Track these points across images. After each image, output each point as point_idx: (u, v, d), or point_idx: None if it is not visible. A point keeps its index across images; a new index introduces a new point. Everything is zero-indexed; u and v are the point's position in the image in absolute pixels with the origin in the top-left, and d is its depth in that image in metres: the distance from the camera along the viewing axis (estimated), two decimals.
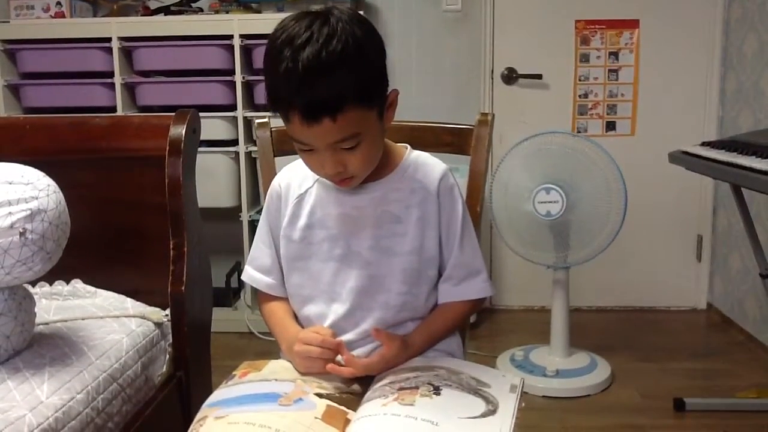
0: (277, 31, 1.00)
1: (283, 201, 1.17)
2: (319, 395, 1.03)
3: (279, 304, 1.21)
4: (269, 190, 1.21)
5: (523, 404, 0.99)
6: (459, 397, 0.98)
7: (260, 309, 1.25)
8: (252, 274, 1.22)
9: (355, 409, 1.01)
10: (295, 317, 1.20)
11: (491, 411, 0.95)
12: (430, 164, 1.15)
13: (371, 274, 1.11)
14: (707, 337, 3.07)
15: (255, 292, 1.28)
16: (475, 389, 1.00)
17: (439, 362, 1.09)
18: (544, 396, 2.43)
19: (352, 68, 0.96)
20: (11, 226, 1.15)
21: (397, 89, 1.08)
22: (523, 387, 1.03)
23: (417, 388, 0.99)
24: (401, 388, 0.99)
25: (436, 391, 0.98)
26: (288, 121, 1.00)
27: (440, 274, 1.16)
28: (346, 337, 1.12)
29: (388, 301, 1.11)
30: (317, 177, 1.13)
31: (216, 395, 1.06)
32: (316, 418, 0.98)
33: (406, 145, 1.18)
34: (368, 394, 1.02)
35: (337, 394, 1.05)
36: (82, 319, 1.46)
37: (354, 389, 1.08)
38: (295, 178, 1.18)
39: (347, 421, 0.99)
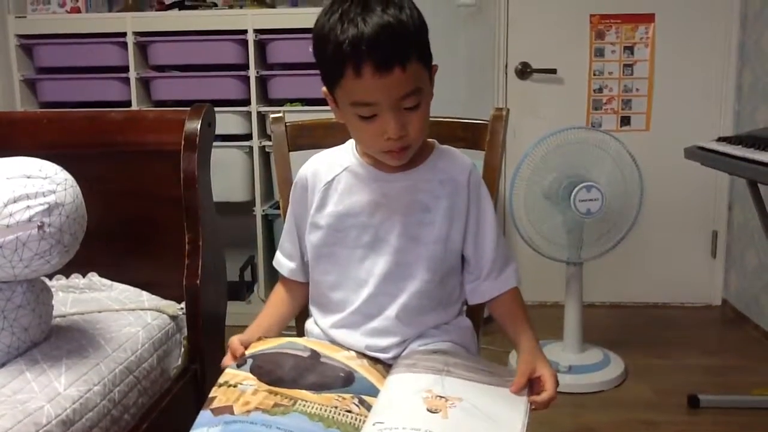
0: None
1: (310, 190, 1.19)
2: None
3: (281, 290, 1.25)
4: (295, 180, 1.23)
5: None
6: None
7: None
8: (278, 259, 1.26)
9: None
10: (306, 306, 1.23)
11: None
12: (458, 158, 1.19)
13: (398, 261, 1.12)
14: (722, 334, 3.05)
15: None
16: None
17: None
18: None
19: (417, 26, 1.02)
20: (29, 220, 1.16)
21: (437, 64, 1.10)
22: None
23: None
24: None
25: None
26: (359, 75, 0.99)
27: (463, 265, 1.18)
28: (370, 324, 1.13)
29: (413, 288, 1.12)
30: (346, 165, 1.16)
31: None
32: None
33: (434, 140, 1.20)
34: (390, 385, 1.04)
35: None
36: (99, 311, 1.48)
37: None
38: (322, 166, 1.19)
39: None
